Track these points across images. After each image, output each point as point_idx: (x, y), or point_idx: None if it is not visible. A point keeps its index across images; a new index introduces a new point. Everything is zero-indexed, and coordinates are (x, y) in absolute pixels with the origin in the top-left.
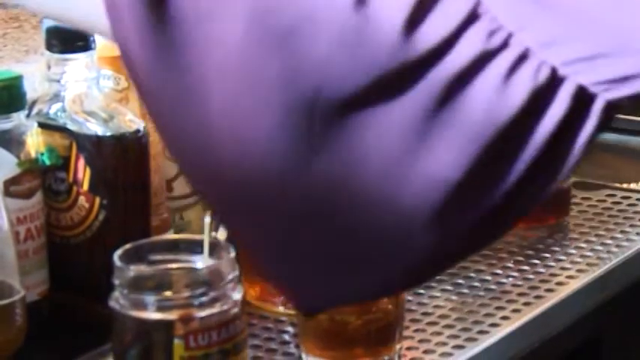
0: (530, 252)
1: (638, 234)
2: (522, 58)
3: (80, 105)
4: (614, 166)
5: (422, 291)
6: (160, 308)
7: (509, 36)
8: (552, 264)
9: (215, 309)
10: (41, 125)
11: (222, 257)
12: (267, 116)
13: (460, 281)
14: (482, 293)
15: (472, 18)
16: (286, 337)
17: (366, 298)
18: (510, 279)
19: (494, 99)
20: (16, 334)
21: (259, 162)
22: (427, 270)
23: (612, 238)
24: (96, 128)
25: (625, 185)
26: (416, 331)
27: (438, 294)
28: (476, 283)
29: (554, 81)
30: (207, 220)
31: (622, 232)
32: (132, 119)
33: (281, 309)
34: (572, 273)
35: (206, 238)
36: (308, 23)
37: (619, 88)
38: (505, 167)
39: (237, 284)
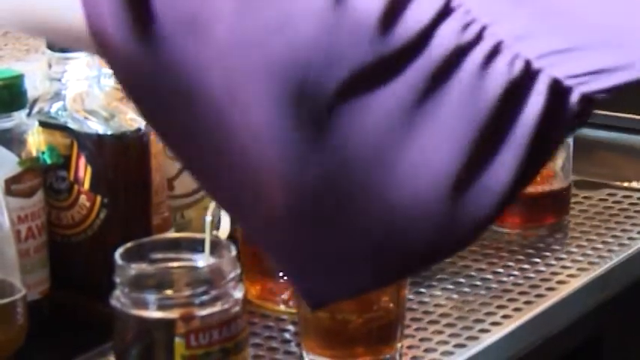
0: (531, 251)
1: (639, 233)
2: (496, 50)
3: (81, 104)
4: (615, 165)
5: (423, 289)
6: (161, 307)
7: (483, 29)
8: (553, 263)
9: (216, 308)
10: (42, 124)
11: (224, 256)
12: (258, 112)
13: (461, 280)
14: (483, 292)
15: (446, 11)
16: (287, 335)
17: (368, 289)
18: (511, 277)
19: (469, 93)
20: (17, 333)
21: (257, 157)
22: (422, 260)
23: (613, 236)
24: (97, 127)
25: (626, 184)
26: (417, 329)
27: (439, 292)
28: (477, 282)
29: (529, 74)
30: (209, 218)
31: (623, 230)
32: (133, 118)
33: (282, 307)
34: (573, 272)
35: (207, 237)
36: (288, 21)
37: (594, 82)
38: (489, 161)
39: (239, 283)
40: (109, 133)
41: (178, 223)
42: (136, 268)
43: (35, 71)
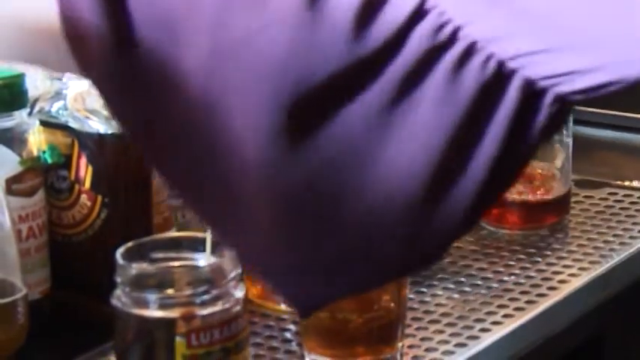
0: (532, 250)
1: None
2: (470, 51)
3: (82, 103)
4: (616, 164)
5: (424, 289)
6: (162, 306)
7: (457, 30)
8: (554, 262)
9: (217, 307)
10: (43, 123)
11: (225, 255)
12: (240, 119)
13: (462, 279)
14: (484, 291)
15: (420, 13)
16: (288, 335)
17: (354, 292)
18: (512, 277)
19: (443, 95)
20: (17, 333)
21: (239, 165)
22: (405, 265)
23: (614, 235)
24: (98, 126)
25: (627, 183)
26: (418, 329)
27: (440, 292)
28: (478, 281)
29: (503, 75)
30: None
31: (624, 229)
32: None
33: (283, 307)
34: (575, 271)
35: (208, 236)
36: (264, 29)
37: (568, 83)
38: (464, 162)
39: (240, 282)
40: (110, 132)
41: (179, 223)
42: (136, 267)
43: (36, 70)
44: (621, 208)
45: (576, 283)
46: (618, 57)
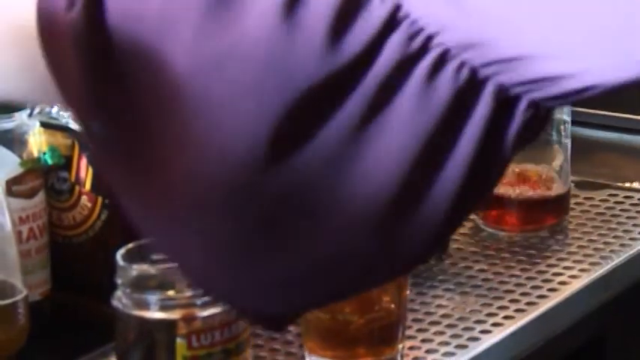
0: (532, 251)
1: None
2: (442, 60)
3: None
4: (616, 166)
5: (425, 290)
6: (163, 308)
7: (429, 39)
8: (555, 263)
9: (218, 308)
10: (43, 124)
11: None
12: (215, 137)
13: (463, 281)
14: (484, 293)
15: (393, 23)
16: (289, 336)
17: (321, 303)
18: (513, 278)
19: (417, 105)
20: (18, 334)
21: (217, 175)
22: (378, 274)
23: (615, 237)
24: None
25: (627, 184)
26: (418, 330)
27: (441, 293)
28: (479, 283)
29: (475, 82)
30: None
31: (624, 231)
32: None
33: None
34: (575, 272)
35: None
36: (239, 45)
37: (541, 89)
38: (437, 172)
39: None
40: None
41: None
42: (137, 268)
43: None
44: (622, 210)
45: (577, 285)
46: (593, 63)
